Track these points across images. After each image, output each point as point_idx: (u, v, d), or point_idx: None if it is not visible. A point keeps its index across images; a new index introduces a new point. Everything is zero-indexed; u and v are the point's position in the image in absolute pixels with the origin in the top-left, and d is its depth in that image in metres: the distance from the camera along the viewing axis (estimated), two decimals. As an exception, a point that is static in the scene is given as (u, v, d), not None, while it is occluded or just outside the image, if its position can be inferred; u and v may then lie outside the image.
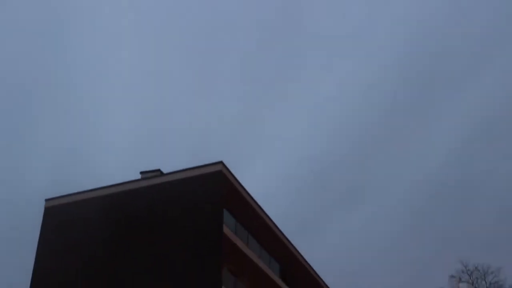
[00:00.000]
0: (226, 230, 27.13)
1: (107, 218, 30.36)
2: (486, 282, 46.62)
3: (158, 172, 31.76)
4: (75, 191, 32.48)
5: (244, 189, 30.40)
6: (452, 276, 47.88)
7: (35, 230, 32.71)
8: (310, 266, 40.30)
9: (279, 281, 33.02)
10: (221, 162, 28.60)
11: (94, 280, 28.58)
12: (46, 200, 32.72)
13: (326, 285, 43.95)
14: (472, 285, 46.98)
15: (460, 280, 47.04)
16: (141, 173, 32.44)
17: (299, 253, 38.01)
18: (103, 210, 30.67)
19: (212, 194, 28.14)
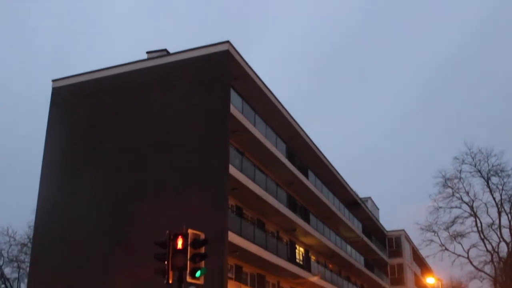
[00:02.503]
0: (233, 109, 27.40)
1: (115, 97, 30.63)
2: (488, 164, 47.46)
3: (164, 52, 31.62)
4: (82, 71, 32.58)
5: (251, 69, 30.35)
6: (456, 158, 48.68)
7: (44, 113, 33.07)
8: (315, 146, 41.06)
9: (285, 160, 33.80)
10: (228, 42, 28.37)
11: (102, 154, 29.38)
12: (53, 80, 32.84)
13: (331, 165, 45.01)
14: (475, 167, 47.81)
15: (463, 162, 47.84)
16: (148, 53, 32.30)
17: (305, 133, 38.58)
18: (111, 90, 30.87)
19: (219, 73, 28.18)
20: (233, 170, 26.57)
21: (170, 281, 13.74)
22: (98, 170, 29.25)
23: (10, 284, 55.80)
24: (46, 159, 30.91)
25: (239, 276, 28.77)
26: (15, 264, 54.73)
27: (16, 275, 55.54)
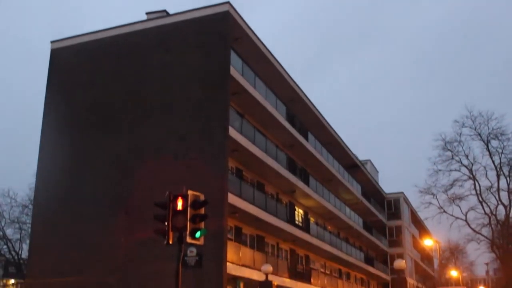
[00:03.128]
0: (233, 71, 27.24)
1: (114, 58, 30.40)
2: (488, 128, 47.39)
3: (164, 13, 31.26)
4: (80, 33, 32.26)
5: (251, 30, 30.05)
6: (456, 121, 48.63)
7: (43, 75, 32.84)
8: (316, 108, 40.95)
9: (285, 123, 33.75)
10: (228, 2, 28.04)
11: (101, 116, 29.33)
12: (52, 42, 32.54)
13: (331, 127, 44.98)
14: (475, 130, 47.76)
15: (463, 125, 47.73)
16: (147, 13, 31.93)
17: (305, 95, 38.43)
18: (110, 51, 30.62)
19: (219, 34, 27.92)
20: (233, 132, 26.55)
21: (170, 242, 13.83)
22: (97, 133, 29.22)
23: (12, 245, 56.43)
24: (46, 121, 30.86)
25: (239, 237, 29.05)
26: (17, 226, 55.26)
27: (18, 236, 56.14)
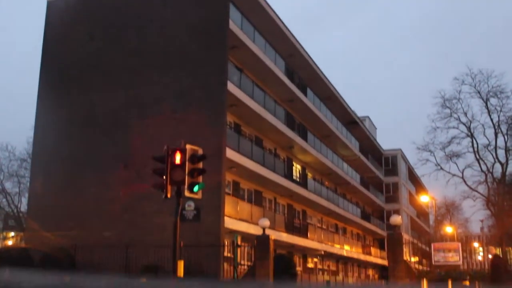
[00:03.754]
0: (231, 24, 26.88)
1: (113, 13, 29.94)
2: (488, 86, 47.06)
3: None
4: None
5: (250, -17, 29.53)
6: (456, 79, 48.31)
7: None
8: (315, 63, 40.62)
9: (284, 78, 33.53)
10: (226, -46, 27.46)
11: (100, 71, 29.05)
12: (48, -8, 31.93)
13: (330, 83, 44.73)
14: (475, 88, 47.48)
15: (462, 83, 47.49)
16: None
17: (304, 50, 38.06)
18: (108, 5, 30.14)
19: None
20: (231, 87, 26.37)
21: (169, 196, 13.88)
22: (96, 86, 28.98)
23: (11, 198, 56.73)
24: (43, 75, 30.56)
25: (237, 192, 29.21)
26: (16, 179, 55.38)
27: (16, 189, 56.33)
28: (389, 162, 65.41)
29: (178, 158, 14.03)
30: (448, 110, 48.74)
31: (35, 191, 29.24)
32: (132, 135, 26.80)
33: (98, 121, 28.25)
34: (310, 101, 38.51)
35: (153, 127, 26.19)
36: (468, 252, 43.32)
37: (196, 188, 14.04)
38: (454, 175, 51.12)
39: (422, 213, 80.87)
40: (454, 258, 24.88)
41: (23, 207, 54.25)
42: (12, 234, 59.99)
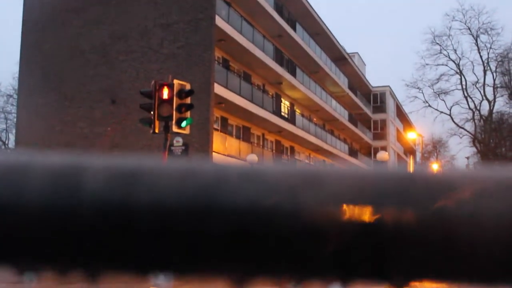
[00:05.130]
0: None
1: None
2: (479, 22, 46.91)
3: None
4: None
5: None
6: (447, 15, 47.93)
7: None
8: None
9: (273, 12, 33.00)
10: None
11: (87, 3, 28.45)
12: None
13: (320, 17, 44.14)
14: (465, 24, 47.16)
15: (453, 19, 47.04)
16: None
17: None
18: None
19: None
20: (219, 21, 25.95)
21: (156, 131, 13.85)
22: (81, 21, 28.36)
23: (-2, 134, 56.55)
24: (28, 8, 29.92)
25: (225, 128, 29.24)
26: (2, 115, 55.10)
27: (4, 126, 56.13)
28: (378, 99, 65.50)
29: (165, 93, 13.91)
30: (437, 47, 48.73)
31: (22, 126, 29.10)
32: (119, 70, 26.52)
33: (84, 55, 27.84)
34: (299, 36, 38.06)
35: (140, 62, 25.91)
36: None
37: (184, 124, 14.01)
38: (441, 112, 51.59)
39: (409, 150, 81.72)
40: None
41: (11, 143, 54.19)
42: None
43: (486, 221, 0.52)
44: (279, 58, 34.34)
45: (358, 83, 59.08)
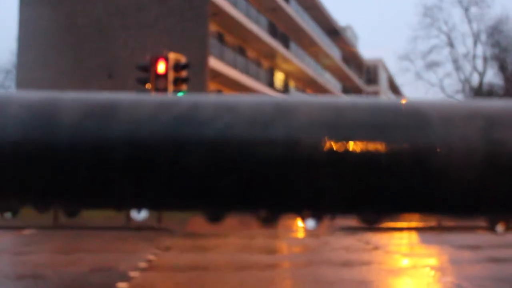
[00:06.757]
0: None
1: None
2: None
3: None
4: None
5: None
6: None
7: None
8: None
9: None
10: None
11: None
12: None
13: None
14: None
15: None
16: None
17: None
18: None
19: None
20: (213, -4, 26.30)
21: (153, 103, 14.41)
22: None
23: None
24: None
25: (220, 101, 29.72)
26: (1, 91, 55.19)
27: (1, 101, 56.21)
28: (370, 71, 65.88)
29: (161, 67, 14.44)
30: (429, 19, 48.96)
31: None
32: (115, 45, 26.93)
33: (81, 30, 28.20)
34: (293, 9, 38.36)
35: (136, 36, 26.30)
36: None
37: (180, 96, 14.59)
38: (433, 85, 51.99)
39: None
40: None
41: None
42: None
43: (455, 148, 0.49)
44: (273, 31, 34.71)
45: (351, 56, 59.40)
